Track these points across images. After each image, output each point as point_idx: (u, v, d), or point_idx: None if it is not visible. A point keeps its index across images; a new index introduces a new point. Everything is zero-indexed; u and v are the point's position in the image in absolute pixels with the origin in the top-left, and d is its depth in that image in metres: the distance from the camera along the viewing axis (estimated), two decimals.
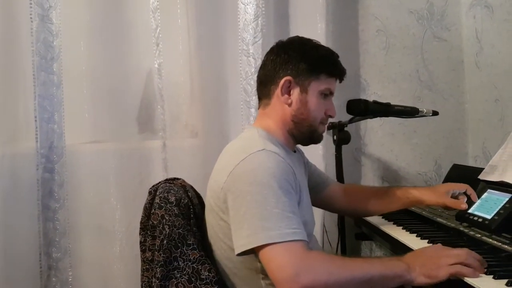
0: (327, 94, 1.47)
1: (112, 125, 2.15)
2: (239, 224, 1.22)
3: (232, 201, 1.25)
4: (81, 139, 2.14)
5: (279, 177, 1.23)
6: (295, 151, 1.55)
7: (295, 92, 1.43)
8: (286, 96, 1.43)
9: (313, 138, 1.50)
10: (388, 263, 1.22)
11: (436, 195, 1.63)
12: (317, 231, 2.15)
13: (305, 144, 1.54)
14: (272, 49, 1.51)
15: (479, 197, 1.54)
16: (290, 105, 1.43)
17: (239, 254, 1.20)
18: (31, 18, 1.98)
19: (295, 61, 1.42)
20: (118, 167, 2.12)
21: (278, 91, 1.43)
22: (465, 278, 1.12)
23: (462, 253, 1.19)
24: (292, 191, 1.26)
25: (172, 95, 2.19)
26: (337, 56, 1.49)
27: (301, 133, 1.47)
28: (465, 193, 1.61)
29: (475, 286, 1.08)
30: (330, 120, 2.06)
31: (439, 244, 1.31)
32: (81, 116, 2.10)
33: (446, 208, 1.62)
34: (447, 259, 1.18)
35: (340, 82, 1.51)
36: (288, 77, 1.41)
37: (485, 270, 1.15)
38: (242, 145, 1.37)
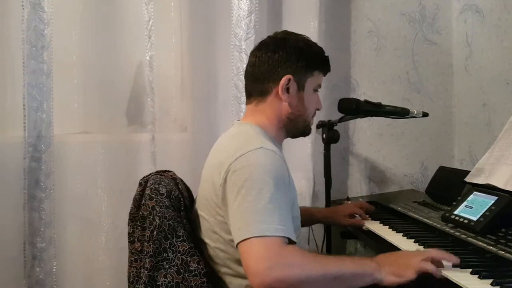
0: (317, 89, 1.52)
1: (101, 116, 2.14)
2: (234, 218, 1.23)
3: (229, 196, 1.25)
4: (69, 129, 2.12)
5: (275, 174, 1.24)
6: None
7: (293, 90, 1.44)
8: (286, 94, 1.43)
9: (305, 131, 1.55)
10: (359, 262, 1.25)
11: (337, 217, 1.84)
12: (304, 229, 2.16)
13: (296, 137, 1.57)
14: (266, 45, 1.49)
15: (465, 199, 1.55)
16: (289, 103, 1.44)
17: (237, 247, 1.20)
18: (22, 5, 1.95)
19: (294, 59, 1.44)
20: (106, 159, 2.11)
21: (278, 89, 1.43)
22: (451, 277, 1.13)
23: (430, 252, 1.23)
24: (286, 189, 1.28)
25: (162, 88, 2.18)
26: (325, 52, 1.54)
27: (296, 128, 1.50)
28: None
29: (461, 285, 1.09)
30: (321, 119, 2.09)
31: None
32: (70, 106, 2.08)
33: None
34: (416, 259, 1.20)
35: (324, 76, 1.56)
36: (289, 76, 1.42)
37: (459, 262, 1.19)
38: (239, 142, 1.36)
